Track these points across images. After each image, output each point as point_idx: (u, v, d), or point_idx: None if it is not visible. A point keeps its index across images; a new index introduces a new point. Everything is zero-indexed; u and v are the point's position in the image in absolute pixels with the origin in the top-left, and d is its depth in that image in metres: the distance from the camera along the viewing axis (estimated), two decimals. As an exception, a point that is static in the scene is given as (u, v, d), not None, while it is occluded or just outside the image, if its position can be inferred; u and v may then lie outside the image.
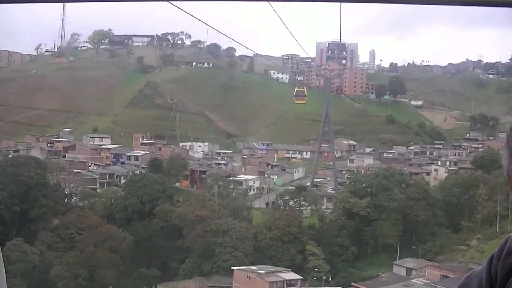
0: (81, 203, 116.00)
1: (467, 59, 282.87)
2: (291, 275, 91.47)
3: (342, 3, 10.80)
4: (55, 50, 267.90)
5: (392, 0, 2.65)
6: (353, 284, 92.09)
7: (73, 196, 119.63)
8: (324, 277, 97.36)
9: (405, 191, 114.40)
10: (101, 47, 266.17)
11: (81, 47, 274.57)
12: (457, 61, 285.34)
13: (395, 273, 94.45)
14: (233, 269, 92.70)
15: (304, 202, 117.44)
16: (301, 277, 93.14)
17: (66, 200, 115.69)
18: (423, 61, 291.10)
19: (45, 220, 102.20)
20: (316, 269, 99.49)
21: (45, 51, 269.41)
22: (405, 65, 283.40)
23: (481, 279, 3.01)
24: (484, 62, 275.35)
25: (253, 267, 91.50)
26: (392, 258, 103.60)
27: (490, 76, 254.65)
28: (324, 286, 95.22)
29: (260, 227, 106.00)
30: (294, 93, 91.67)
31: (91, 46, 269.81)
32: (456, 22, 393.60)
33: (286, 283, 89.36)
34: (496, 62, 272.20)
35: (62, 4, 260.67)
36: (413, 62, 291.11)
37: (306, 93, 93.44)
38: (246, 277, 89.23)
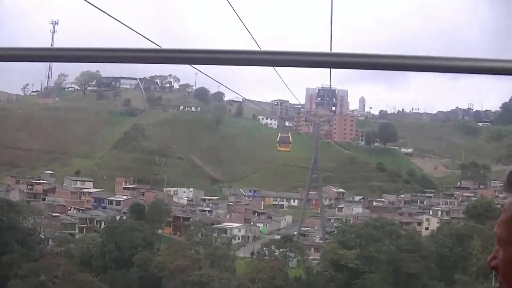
0: (57, 248, 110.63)
1: (457, 107, 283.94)
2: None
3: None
4: (42, 90, 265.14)
5: (384, 67, 2.88)
6: None
7: (48, 242, 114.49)
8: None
9: (396, 242, 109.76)
10: (88, 88, 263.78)
11: (68, 88, 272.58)
12: (447, 109, 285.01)
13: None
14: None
15: (290, 253, 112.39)
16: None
17: (40, 246, 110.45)
18: (412, 108, 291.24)
19: (16, 266, 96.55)
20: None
21: (32, 92, 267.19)
22: (395, 112, 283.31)
23: None
24: (474, 110, 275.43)
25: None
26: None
27: (480, 124, 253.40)
28: None
29: (243, 279, 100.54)
30: (278, 139, 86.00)
31: (78, 88, 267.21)
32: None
33: None
34: (486, 110, 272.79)
35: (50, 42, 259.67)
36: (403, 109, 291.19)
37: (291, 140, 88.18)
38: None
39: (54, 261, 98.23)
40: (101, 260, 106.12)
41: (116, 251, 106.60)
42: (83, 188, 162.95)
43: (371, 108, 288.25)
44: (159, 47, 4.30)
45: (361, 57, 2.96)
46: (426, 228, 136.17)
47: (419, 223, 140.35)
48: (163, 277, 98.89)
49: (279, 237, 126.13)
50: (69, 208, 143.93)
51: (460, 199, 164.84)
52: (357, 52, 2.94)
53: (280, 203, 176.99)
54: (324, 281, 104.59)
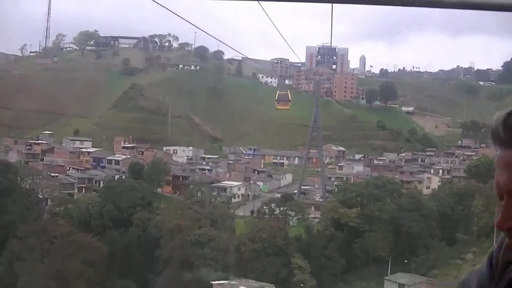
0: (56, 209, 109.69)
1: (458, 65, 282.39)
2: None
3: (333, 4, 9.97)
4: (40, 51, 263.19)
5: (382, 2, 2.85)
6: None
7: (47, 202, 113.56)
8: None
9: (397, 201, 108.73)
10: (86, 48, 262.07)
11: (66, 48, 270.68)
12: (448, 68, 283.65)
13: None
14: (212, 284, 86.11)
15: (290, 212, 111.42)
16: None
17: (39, 206, 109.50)
18: (413, 67, 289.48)
19: (14, 227, 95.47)
20: (302, 285, 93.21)
21: (30, 52, 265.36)
22: (396, 71, 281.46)
23: (482, 274, 2.99)
24: (475, 69, 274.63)
25: (234, 282, 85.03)
26: (383, 272, 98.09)
27: (481, 83, 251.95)
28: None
29: (243, 238, 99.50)
30: (276, 97, 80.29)
31: (77, 47, 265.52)
32: (447, 29, 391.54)
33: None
34: (487, 69, 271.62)
35: (47, 3, 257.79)
36: (404, 68, 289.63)
37: (290, 98, 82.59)
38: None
39: (53, 222, 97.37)
40: (100, 220, 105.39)
41: (115, 211, 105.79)
42: (82, 148, 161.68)
43: (371, 66, 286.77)
44: None
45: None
46: (427, 187, 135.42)
47: (420, 182, 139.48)
48: (162, 237, 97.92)
49: (279, 195, 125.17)
50: (68, 168, 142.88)
51: (461, 158, 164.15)
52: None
53: (280, 161, 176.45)
54: (325, 240, 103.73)
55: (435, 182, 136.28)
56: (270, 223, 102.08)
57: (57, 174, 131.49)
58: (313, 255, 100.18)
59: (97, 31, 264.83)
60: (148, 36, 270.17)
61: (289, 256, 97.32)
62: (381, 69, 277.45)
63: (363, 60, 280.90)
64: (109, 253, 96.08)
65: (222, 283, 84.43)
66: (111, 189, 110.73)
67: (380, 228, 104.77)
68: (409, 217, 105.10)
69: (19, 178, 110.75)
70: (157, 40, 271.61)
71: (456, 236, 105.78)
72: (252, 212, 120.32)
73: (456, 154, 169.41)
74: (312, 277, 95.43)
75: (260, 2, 8.99)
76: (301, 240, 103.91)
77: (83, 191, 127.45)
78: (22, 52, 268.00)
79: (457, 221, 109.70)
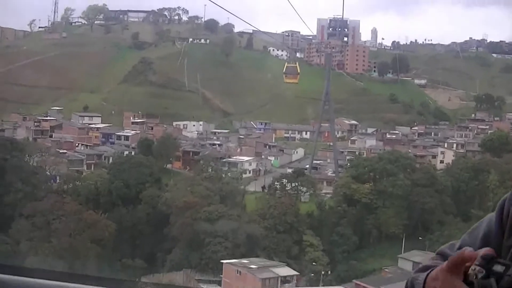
0: (64, 186, 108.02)
1: (471, 38, 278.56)
2: (286, 271, 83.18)
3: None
4: (49, 26, 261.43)
5: None
6: (354, 281, 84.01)
7: (56, 180, 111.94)
8: (323, 272, 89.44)
9: (411, 177, 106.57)
10: (95, 22, 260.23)
11: (75, 22, 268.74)
12: (461, 40, 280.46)
13: (401, 268, 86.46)
14: (222, 263, 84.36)
15: (302, 188, 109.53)
16: (297, 273, 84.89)
17: (47, 184, 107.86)
18: (425, 39, 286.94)
19: (21, 206, 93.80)
20: (313, 263, 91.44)
21: (39, 27, 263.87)
22: (408, 43, 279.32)
23: (491, 221, 3.05)
24: (488, 41, 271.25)
25: (245, 261, 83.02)
26: (396, 249, 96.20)
27: (494, 55, 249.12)
28: (322, 282, 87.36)
29: (253, 215, 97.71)
30: (284, 70, 73.63)
31: (86, 22, 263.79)
32: (460, 0, 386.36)
33: (281, 279, 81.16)
34: (500, 41, 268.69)
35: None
36: (416, 40, 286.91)
37: (298, 70, 76.86)
38: (237, 272, 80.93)
39: (60, 200, 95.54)
40: (108, 198, 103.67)
41: (123, 188, 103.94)
42: (91, 124, 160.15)
43: (383, 39, 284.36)
44: None
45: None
46: (441, 161, 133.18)
47: (434, 156, 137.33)
48: (171, 214, 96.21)
49: (291, 170, 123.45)
50: (77, 144, 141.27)
51: (475, 131, 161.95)
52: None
53: (291, 135, 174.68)
54: (337, 216, 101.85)
55: (448, 156, 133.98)
56: (281, 200, 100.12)
57: (65, 151, 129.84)
58: (325, 232, 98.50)
59: (106, 5, 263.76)
60: (158, 10, 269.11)
61: (300, 233, 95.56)
62: (393, 42, 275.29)
63: (374, 32, 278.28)
64: (117, 231, 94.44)
65: (232, 262, 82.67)
66: (119, 165, 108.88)
67: (394, 204, 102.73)
68: (423, 192, 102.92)
69: (26, 156, 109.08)
70: (167, 14, 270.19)
71: (471, 212, 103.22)
72: (263, 187, 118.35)
73: (469, 127, 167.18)
74: (325, 255, 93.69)
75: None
76: (313, 217, 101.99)
77: (92, 168, 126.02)
78: (31, 27, 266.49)
79: (471, 197, 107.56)
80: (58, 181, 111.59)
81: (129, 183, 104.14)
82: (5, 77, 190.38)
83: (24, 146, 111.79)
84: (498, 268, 2.33)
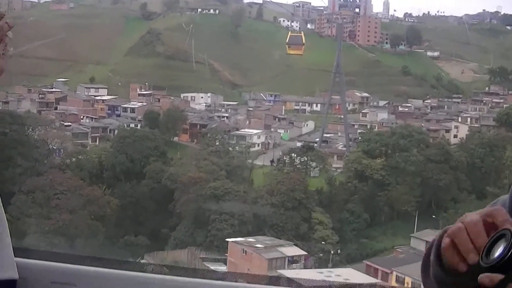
0: (67, 160, 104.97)
1: (484, 10, 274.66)
2: (294, 250, 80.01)
3: None
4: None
5: None
6: (365, 261, 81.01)
7: (59, 154, 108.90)
8: (332, 251, 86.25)
9: (425, 152, 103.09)
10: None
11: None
12: (474, 12, 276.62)
13: (413, 247, 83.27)
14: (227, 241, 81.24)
15: (311, 163, 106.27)
16: (305, 253, 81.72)
17: (48, 158, 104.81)
18: (438, 11, 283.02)
19: (20, 181, 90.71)
20: (323, 242, 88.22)
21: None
22: (420, 15, 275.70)
23: (505, 204, 2.85)
24: (502, 13, 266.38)
25: (251, 239, 79.90)
26: (409, 227, 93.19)
27: (509, 27, 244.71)
28: (331, 261, 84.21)
29: (261, 191, 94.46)
30: (287, 40, 65.92)
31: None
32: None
33: (288, 259, 77.99)
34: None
35: None
36: (428, 12, 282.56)
37: (304, 40, 69.34)
38: (242, 252, 77.81)
39: (61, 175, 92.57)
40: (112, 172, 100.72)
41: (127, 162, 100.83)
42: (97, 96, 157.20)
43: (395, 11, 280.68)
44: None
45: None
46: (455, 136, 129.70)
47: (447, 131, 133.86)
48: (176, 190, 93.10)
49: (300, 144, 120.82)
50: (82, 117, 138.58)
51: (490, 105, 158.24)
52: None
53: (302, 108, 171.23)
54: (347, 193, 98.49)
55: (463, 131, 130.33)
56: (290, 175, 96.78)
57: (70, 124, 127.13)
58: (334, 209, 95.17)
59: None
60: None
61: (309, 210, 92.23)
62: (405, 13, 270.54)
63: (386, 4, 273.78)
64: (120, 207, 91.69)
65: (238, 241, 79.51)
66: (122, 139, 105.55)
67: (406, 180, 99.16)
68: (437, 169, 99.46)
69: (27, 129, 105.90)
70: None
71: (486, 189, 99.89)
72: (272, 161, 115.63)
73: (484, 101, 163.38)
74: (334, 233, 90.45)
75: None
76: (322, 193, 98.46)
77: (97, 141, 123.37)
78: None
79: (487, 173, 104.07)
80: (61, 155, 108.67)
81: (133, 157, 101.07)
82: (12, 49, 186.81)
83: (25, 119, 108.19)
84: None
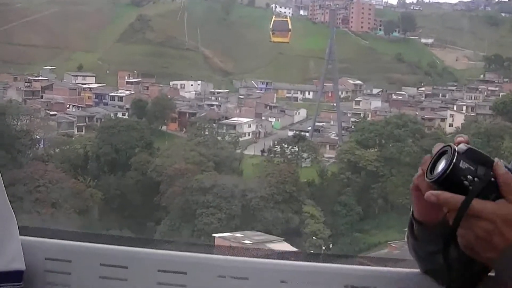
0: (50, 151, 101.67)
1: None
2: (284, 246, 76.74)
3: None
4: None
5: None
6: (359, 255, 77.85)
7: (43, 144, 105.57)
8: (324, 247, 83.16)
9: (420, 143, 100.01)
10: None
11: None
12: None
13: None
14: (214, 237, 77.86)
15: (303, 153, 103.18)
16: (296, 249, 78.47)
17: (31, 150, 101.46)
18: None
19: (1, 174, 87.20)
20: (314, 237, 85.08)
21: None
22: (414, 1, 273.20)
23: None
24: (496, 0, 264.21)
25: (239, 235, 76.41)
26: (403, 220, 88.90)
27: (503, 14, 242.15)
28: (323, 259, 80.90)
29: (250, 184, 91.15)
30: (271, 26, 58.73)
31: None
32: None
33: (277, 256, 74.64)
34: (510, 0, 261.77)
35: None
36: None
37: (290, 26, 62.20)
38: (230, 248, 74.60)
39: (42, 166, 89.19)
40: (96, 163, 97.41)
41: (112, 153, 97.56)
42: (84, 84, 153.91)
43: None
44: None
45: None
46: (450, 125, 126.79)
47: (443, 119, 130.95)
48: (161, 182, 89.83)
49: (292, 133, 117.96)
50: (68, 106, 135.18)
51: (485, 93, 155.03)
52: None
53: (294, 95, 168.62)
54: (340, 185, 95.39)
55: (458, 120, 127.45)
56: (280, 167, 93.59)
57: (55, 113, 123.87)
58: (327, 201, 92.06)
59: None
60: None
61: (300, 203, 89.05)
62: (399, 0, 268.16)
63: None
64: (104, 200, 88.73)
65: (225, 236, 76.15)
66: (107, 129, 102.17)
67: (401, 172, 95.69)
68: None
69: (9, 119, 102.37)
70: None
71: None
72: (262, 151, 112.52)
73: (479, 89, 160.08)
74: (326, 228, 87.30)
75: None
76: (314, 185, 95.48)
77: (83, 131, 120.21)
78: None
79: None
80: (44, 145, 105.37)
81: (118, 148, 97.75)
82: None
83: (7, 108, 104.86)
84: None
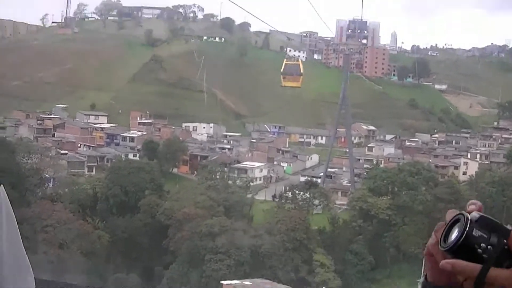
0: (59, 190, 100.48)
1: (492, 43, 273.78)
2: (293, 295, 75.17)
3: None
4: (63, 21, 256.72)
5: None
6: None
7: (53, 183, 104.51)
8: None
9: (433, 191, 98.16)
10: (109, 18, 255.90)
11: (88, 18, 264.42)
12: (482, 45, 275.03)
13: (421, 294, 78.48)
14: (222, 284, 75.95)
15: (314, 200, 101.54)
16: (305, 299, 76.73)
17: (41, 188, 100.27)
18: (445, 44, 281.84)
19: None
20: (324, 286, 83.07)
21: (52, 22, 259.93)
22: (428, 47, 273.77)
23: None
24: (510, 46, 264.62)
25: (247, 282, 74.62)
26: (416, 270, 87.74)
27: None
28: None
29: (260, 230, 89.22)
30: (282, 69, 55.59)
31: (99, 18, 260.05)
32: (484, 4, 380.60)
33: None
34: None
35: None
36: (436, 45, 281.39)
37: (302, 70, 59.40)
38: (238, 296, 72.75)
39: (50, 206, 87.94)
40: (105, 204, 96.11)
41: (122, 194, 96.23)
42: (96, 124, 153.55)
43: (402, 43, 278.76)
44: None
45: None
46: (464, 173, 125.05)
47: (456, 167, 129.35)
48: (170, 226, 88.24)
49: (304, 179, 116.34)
50: (79, 145, 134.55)
51: (499, 141, 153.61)
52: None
53: (306, 140, 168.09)
54: (351, 233, 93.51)
55: (472, 168, 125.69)
56: (291, 213, 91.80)
57: (66, 152, 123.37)
58: (337, 250, 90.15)
59: (120, 1, 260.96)
60: (173, 7, 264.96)
61: (310, 251, 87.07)
62: (413, 45, 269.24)
63: (394, 36, 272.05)
64: (112, 242, 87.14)
65: (233, 284, 74.33)
66: (117, 170, 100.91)
67: (414, 221, 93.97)
68: (446, 209, 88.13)
69: (19, 157, 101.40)
70: (182, 11, 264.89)
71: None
72: (273, 196, 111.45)
73: (493, 136, 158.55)
74: (337, 276, 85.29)
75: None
76: (325, 233, 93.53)
77: (94, 171, 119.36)
78: (43, 22, 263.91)
79: (498, 214, 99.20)
80: (54, 184, 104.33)
81: (127, 189, 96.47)
82: (13, 72, 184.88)
83: (17, 146, 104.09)
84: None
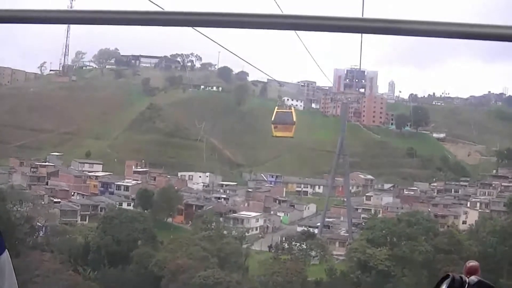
0: (52, 239, 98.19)
1: (489, 91, 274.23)
2: None
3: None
4: (60, 69, 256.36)
5: (413, 33, 2.94)
6: None
7: (45, 232, 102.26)
8: None
9: (433, 242, 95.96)
10: (106, 67, 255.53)
11: (86, 66, 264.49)
12: (479, 94, 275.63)
13: None
14: None
15: (311, 252, 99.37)
16: None
17: (32, 238, 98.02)
18: (443, 92, 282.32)
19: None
20: None
21: (50, 70, 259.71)
22: (425, 96, 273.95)
23: None
24: (507, 95, 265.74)
25: None
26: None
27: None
28: None
29: (255, 282, 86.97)
30: (273, 118, 51.48)
31: (96, 66, 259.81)
32: (481, 54, 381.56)
33: None
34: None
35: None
36: (434, 93, 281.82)
37: (295, 118, 55.13)
38: None
39: (39, 256, 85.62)
40: (97, 255, 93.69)
41: (114, 244, 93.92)
42: (90, 172, 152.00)
43: (400, 92, 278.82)
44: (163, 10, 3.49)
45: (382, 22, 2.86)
46: (464, 222, 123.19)
47: (456, 217, 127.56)
48: (163, 278, 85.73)
49: (301, 228, 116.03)
50: (72, 193, 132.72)
51: (499, 189, 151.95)
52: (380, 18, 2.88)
53: (304, 189, 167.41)
54: (349, 285, 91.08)
55: (472, 217, 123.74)
56: (287, 265, 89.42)
57: (59, 200, 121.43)
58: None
59: (118, 49, 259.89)
60: (170, 56, 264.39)
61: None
62: (410, 94, 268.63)
63: (392, 85, 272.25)
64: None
65: None
66: (110, 220, 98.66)
67: (413, 272, 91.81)
68: (446, 260, 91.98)
69: (10, 205, 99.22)
70: (180, 60, 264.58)
71: (500, 281, 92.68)
72: (270, 247, 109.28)
73: (493, 184, 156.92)
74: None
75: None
76: (322, 285, 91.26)
77: (87, 220, 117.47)
78: (41, 70, 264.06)
79: (500, 264, 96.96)
80: (46, 233, 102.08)
81: (120, 239, 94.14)
82: (10, 120, 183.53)
83: (8, 194, 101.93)
84: None
